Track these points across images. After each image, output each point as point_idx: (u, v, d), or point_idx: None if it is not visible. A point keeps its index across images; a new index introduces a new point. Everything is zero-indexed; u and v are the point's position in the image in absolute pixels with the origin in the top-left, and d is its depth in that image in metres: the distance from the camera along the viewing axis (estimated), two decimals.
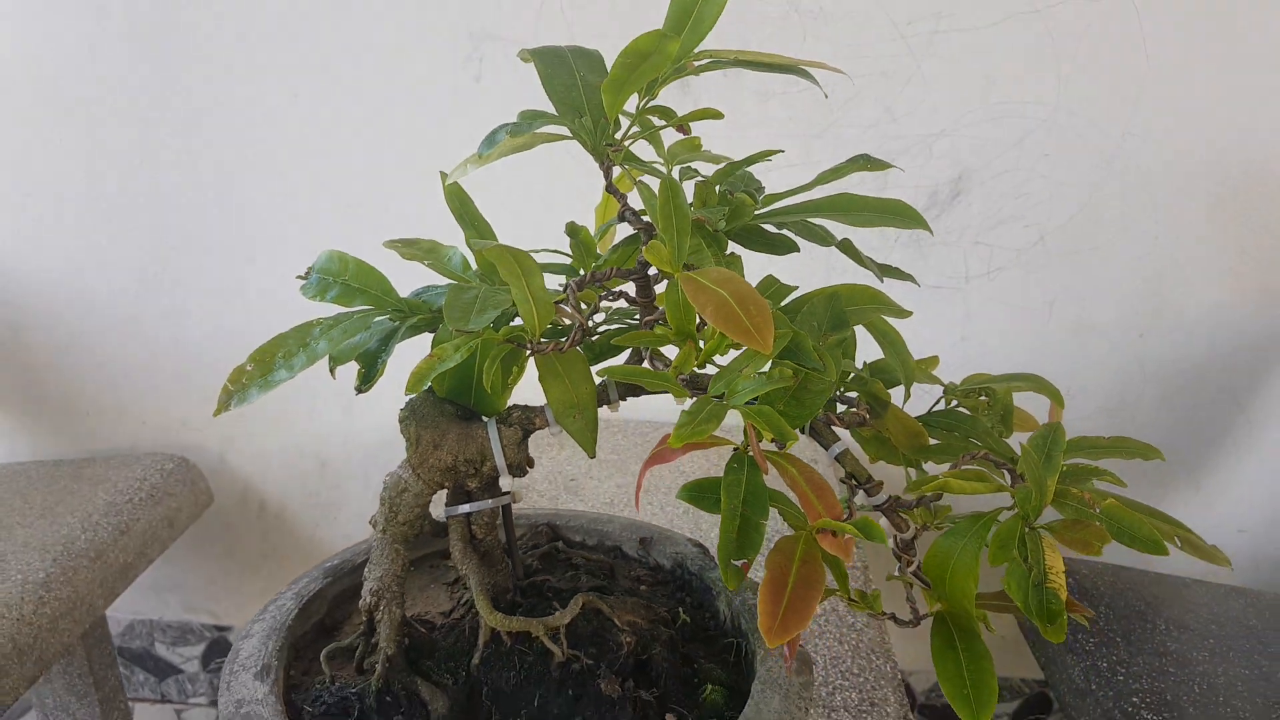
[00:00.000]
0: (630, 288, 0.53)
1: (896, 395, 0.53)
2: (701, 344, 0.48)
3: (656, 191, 0.46)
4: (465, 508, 0.55)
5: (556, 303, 0.49)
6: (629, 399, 0.55)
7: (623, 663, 0.53)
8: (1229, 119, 1.08)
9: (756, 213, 0.52)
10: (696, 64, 0.48)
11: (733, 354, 0.48)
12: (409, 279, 0.57)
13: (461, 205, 0.55)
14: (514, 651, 0.53)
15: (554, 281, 0.52)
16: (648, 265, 0.50)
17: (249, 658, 0.54)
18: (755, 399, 0.44)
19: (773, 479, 0.46)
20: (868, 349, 0.53)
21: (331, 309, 0.53)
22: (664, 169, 0.50)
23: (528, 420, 0.54)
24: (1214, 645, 0.92)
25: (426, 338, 0.54)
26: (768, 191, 0.54)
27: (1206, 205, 1.12)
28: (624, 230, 0.55)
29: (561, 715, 0.51)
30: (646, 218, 0.49)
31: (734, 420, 0.45)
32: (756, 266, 0.50)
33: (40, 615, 0.96)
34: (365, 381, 0.51)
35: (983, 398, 0.55)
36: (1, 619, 0.92)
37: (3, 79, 1.19)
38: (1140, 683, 0.87)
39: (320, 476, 1.37)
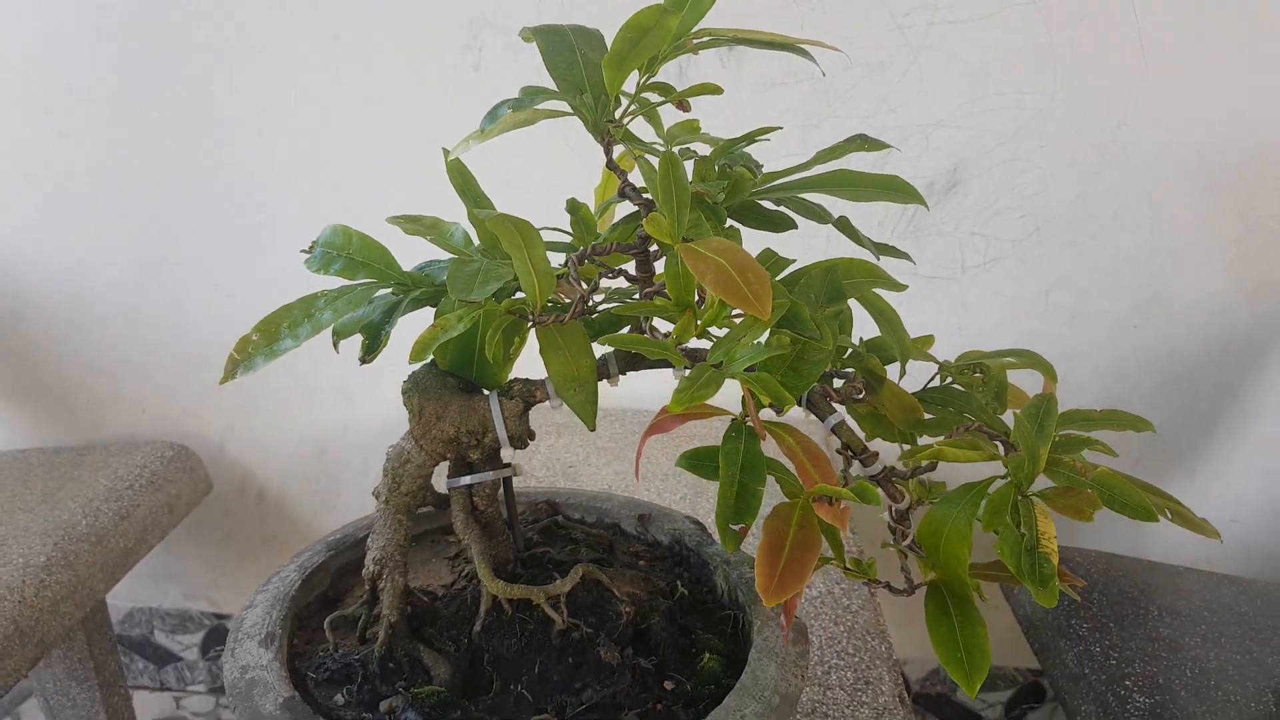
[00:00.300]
0: (630, 267, 0.53)
1: (892, 372, 0.53)
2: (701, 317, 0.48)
3: (656, 166, 0.46)
4: (467, 479, 0.56)
5: (558, 278, 0.49)
6: (629, 373, 0.55)
7: (622, 632, 0.54)
8: (1225, 109, 1.09)
9: (755, 189, 0.52)
10: (695, 42, 0.49)
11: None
12: (411, 256, 0.58)
13: (463, 180, 0.56)
14: (515, 619, 0.54)
15: (555, 260, 0.53)
16: (647, 241, 0.51)
17: (253, 626, 0.54)
18: (753, 367, 0.45)
19: (770, 449, 0.47)
20: (865, 328, 0.54)
21: (335, 283, 0.54)
22: (663, 149, 0.51)
23: (529, 393, 0.55)
24: (1206, 631, 0.93)
25: (429, 312, 0.55)
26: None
27: (1202, 195, 1.13)
28: (623, 210, 0.55)
29: (561, 682, 0.52)
30: (647, 194, 0.50)
31: (733, 394, 0.46)
32: (754, 247, 0.51)
33: (42, 598, 0.96)
34: (369, 352, 0.52)
35: (977, 374, 0.56)
36: (3, 601, 0.93)
37: (4, 69, 1.20)
38: (1133, 667, 0.88)
39: (319, 464, 1.38)
